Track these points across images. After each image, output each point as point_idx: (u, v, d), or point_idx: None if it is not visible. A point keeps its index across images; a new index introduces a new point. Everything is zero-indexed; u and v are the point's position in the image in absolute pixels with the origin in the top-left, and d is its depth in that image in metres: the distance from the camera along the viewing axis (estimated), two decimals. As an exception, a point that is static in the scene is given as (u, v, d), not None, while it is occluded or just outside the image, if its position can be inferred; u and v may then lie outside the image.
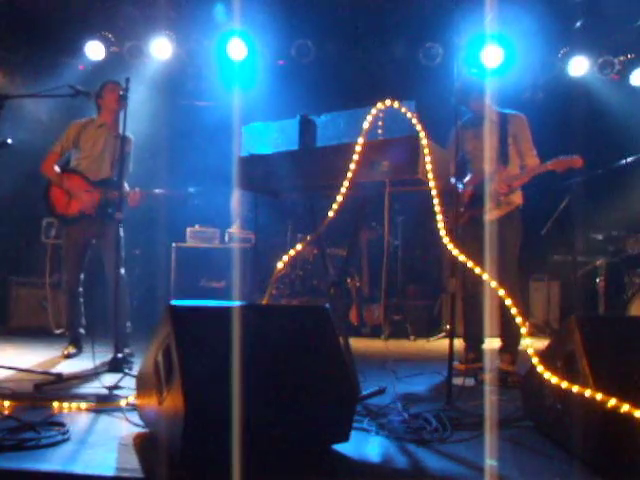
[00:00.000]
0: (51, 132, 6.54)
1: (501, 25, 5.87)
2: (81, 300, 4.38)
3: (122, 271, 4.10)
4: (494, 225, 3.98)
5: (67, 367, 3.81)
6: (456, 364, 3.98)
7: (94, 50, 6.65)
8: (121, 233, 3.93)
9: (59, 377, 3.34)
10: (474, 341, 4.06)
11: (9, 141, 3.32)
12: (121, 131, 3.84)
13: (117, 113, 4.11)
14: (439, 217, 2.93)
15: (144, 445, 2.21)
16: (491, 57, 6.39)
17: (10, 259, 6.33)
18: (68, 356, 4.23)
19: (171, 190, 4.36)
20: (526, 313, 4.23)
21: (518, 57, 6.60)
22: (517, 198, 4.05)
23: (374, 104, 3.01)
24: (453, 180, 4.16)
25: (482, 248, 3.93)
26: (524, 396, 2.74)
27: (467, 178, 4.17)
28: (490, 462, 2.12)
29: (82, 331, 4.41)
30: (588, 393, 2.04)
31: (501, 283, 3.82)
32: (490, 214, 4.00)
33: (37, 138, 6.56)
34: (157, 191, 4.40)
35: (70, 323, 4.46)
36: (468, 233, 3.91)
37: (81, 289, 4.36)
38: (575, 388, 2.13)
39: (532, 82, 6.99)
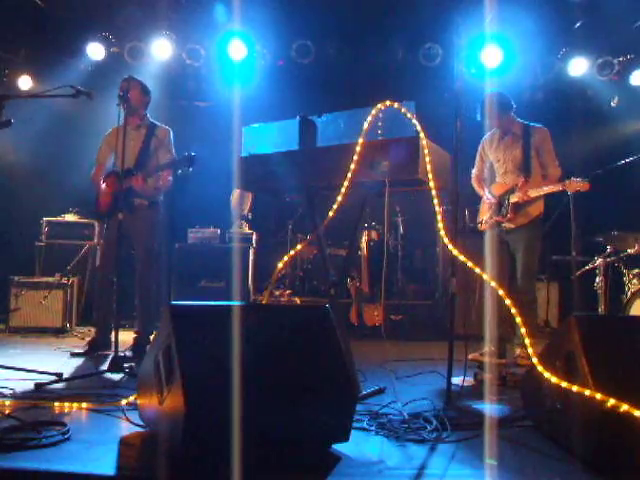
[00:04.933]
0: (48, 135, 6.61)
1: (501, 25, 5.88)
2: (113, 299, 4.24)
3: (148, 268, 4.34)
4: (515, 233, 4.26)
5: (67, 367, 3.81)
6: (476, 355, 4.12)
7: (95, 50, 6.67)
8: (148, 223, 4.35)
9: (59, 377, 3.35)
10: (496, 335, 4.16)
11: (12, 120, 3.30)
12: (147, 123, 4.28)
13: (131, 111, 4.23)
14: (439, 217, 2.94)
15: (144, 445, 2.22)
16: (491, 57, 6.40)
17: (10, 259, 6.33)
18: (76, 354, 4.27)
19: (170, 162, 4.38)
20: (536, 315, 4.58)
21: (518, 57, 6.60)
22: (538, 208, 4.25)
23: (374, 104, 3.01)
24: (486, 190, 4.51)
25: (504, 254, 4.28)
26: (524, 396, 2.75)
27: (493, 187, 4.43)
28: (490, 462, 2.12)
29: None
30: (587, 393, 2.05)
31: (521, 286, 4.16)
32: (512, 222, 4.24)
33: (35, 139, 6.59)
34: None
35: (96, 320, 4.54)
36: (492, 238, 4.21)
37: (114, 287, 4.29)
38: (574, 388, 2.13)
39: (532, 82, 7.00)
